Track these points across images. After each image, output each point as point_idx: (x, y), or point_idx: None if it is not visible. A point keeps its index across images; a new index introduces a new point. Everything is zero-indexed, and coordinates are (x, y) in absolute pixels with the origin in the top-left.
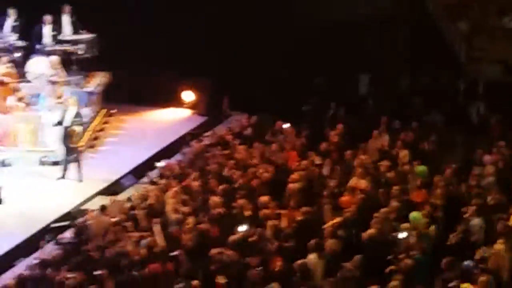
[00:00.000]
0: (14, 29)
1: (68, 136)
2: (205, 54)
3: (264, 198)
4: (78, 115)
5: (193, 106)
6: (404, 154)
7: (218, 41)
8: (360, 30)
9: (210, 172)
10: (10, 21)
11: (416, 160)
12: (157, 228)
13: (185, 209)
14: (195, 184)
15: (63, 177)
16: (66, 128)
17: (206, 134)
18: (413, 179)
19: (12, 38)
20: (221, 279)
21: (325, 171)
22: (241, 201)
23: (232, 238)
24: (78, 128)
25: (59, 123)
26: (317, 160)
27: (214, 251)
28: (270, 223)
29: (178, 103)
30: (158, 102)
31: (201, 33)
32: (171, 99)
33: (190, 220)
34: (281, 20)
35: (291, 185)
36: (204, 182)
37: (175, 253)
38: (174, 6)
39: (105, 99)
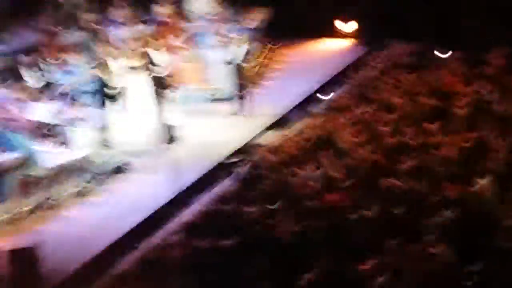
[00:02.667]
0: None
1: (239, 73)
2: None
3: (431, 126)
4: (248, 52)
5: (353, 36)
6: None
7: None
8: None
9: (377, 101)
10: None
11: None
12: (329, 159)
13: (355, 139)
14: (363, 114)
15: (235, 113)
16: (237, 65)
17: (369, 63)
18: None
19: None
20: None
21: (491, 96)
22: (408, 130)
23: (402, 167)
24: (249, 65)
25: (230, 61)
26: (482, 86)
27: (385, 182)
28: (437, 150)
29: (337, 33)
30: (317, 34)
31: None
32: (330, 30)
33: (361, 150)
34: None
35: (456, 112)
36: (372, 112)
37: (347, 184)
38: None
39: (265, 34)
